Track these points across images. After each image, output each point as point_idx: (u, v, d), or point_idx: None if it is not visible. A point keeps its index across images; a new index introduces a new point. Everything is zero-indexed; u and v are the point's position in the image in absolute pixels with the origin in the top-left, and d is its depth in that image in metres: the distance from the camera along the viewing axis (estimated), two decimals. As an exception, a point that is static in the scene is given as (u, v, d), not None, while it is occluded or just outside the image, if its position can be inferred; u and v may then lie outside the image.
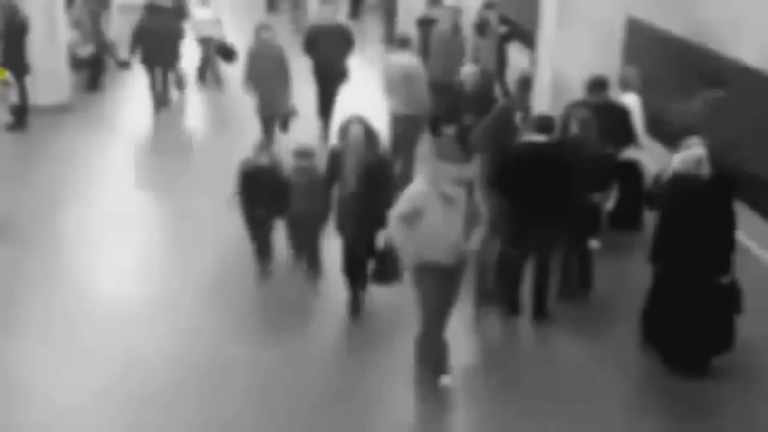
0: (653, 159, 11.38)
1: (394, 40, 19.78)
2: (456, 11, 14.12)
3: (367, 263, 8.68)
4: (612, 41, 10.36)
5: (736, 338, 8.00)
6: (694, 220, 7.62)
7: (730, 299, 7.85)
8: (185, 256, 10.14)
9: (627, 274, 9.74)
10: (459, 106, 10.55)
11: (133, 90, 16.68)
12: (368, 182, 8.30)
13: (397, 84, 11.69)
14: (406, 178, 12.00)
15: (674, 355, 8.04)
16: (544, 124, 8.55)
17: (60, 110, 14.97)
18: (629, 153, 10.17)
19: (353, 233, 8.57)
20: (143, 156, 13.41)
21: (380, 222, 8.06)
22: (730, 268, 7.74)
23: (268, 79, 12.79)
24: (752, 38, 10.83)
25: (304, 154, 9.09)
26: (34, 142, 13.70)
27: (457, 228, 7.34)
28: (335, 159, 8.55)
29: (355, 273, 8.80)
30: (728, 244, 7.71)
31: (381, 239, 8.33)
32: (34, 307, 8.94)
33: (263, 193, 9.25)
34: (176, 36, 14.95)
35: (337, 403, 7.53)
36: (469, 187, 7.41)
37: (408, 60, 11.77)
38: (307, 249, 9.60)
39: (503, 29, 15.61)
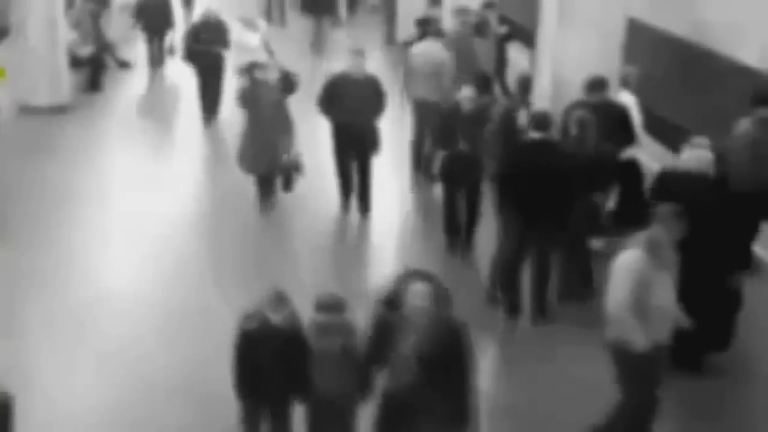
0: (652, 157, 11.39)
1: (393, 41, 19.97)
2: (467, 12, 14.04)
3: None
4: (612, 41, 10.36)
5: (735, 337, 8.01)
6: (699, 219, 7.62)
7: (729, 299, 7.86)
8: (187, 257, 10.15)
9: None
10: (454, 129, 10.06)
11: (133, 90, 16.70)
12: (436, 368, 5.68)
13: (421, 71, 12.07)
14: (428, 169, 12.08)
15: (673, 354, 8.04)
16: (541, 121, 8.60)
17: (60, 110, 14.97)
18: (628, 151, 10.19)
19: None
20: (144, 156, 13.41)
21: (451, 422, 5.87)
22: (735, 270, 7.76)
23: (266, 127, 10.98)
24: (753, 38, 10.83)
25: (330, 306, 6.08)
26: (33, 143, 13.69)
27: (673, 295, 6.38)
28: (384, 332, 5.81)
29: None
30: (734, 245, 7.73)
31: None
32: (36, 308, 8.95)
33: (272, 365, 6.14)
34: (169, 12, 17.63)
35: None
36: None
37: (437, 49, 12.23)
38: None
39: (502, 29, 15.62)
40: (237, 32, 14.78)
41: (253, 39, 14.65)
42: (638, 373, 6.45)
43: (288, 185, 11.23)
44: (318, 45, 19.72)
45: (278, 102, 11.07)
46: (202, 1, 21.39)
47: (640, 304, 6.19)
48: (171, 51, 17.55)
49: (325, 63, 17.37)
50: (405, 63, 12.40)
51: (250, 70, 11.46)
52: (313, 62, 18.23)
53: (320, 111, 11.04)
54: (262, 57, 13.75)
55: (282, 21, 22.10)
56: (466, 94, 10.14)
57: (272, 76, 11.17)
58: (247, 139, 11.11)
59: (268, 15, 21.98)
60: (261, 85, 11.08)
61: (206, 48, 14.49)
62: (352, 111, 10.79)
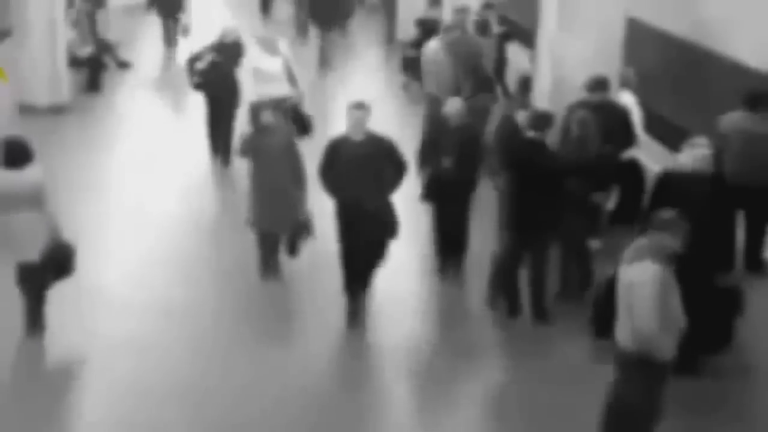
0: (653, 158, 11.38)
1: (394, 41, 19.98)
2: (466, 11, 14.08)
3: None
4: (612, 41, 10.36)
5: (734, 340, 8.01)
6: (699, 219, 7.62)
7: (730, 301, 7.85)
8: (187, 257, 10.14)
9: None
10: (439, 144, 9.37)
11: (133, 91, 16.69)
12: None
13: (429, 67, 12.64)
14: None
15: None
16: (537, 121, 8.63)
17: (59, 110, 14.95)
18: (629, 152, 10.20)
19: None
20: (143, 156, 13.40)
21: None
22: (727, 269, 7.75)
23: (273, 179, 9.22)
24: (752, 39, 10.84)
25: None
26: (32, 143, 13.64)
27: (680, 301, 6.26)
28: None
29: None
30: (727, 244, 7.72)
31: None
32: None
33: None
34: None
35: None
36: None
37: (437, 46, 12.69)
38: None
39: (498, 29, 15.65)
40: (254, 56, 12.03)
41: (273, 65, 11.88)
42: (656, 380, 6.40)
43: (293, 249, 9.47)
44: (323, 67, 18.11)
45: (288, 149, 9.25)
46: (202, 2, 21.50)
47: (664, 315, 6.10)
48: (184, 31, 18.82)
49: (330, 93, 16.60)
50: (404, 61, 12.60)
51: (255, 111, 9.71)
52: (319, 91, 16.37)
53: (321, 185, 8.81)
54: (283, 88, 11.76)
55: (304, 37, 19.88)
56: (453, 106, 9.40)
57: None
58: (253, 193, 9.43)
59: (302, 31, 20.10)
60: (267, 131, 9.30)
61: (220, 74, 12.46)
62: (351, 184, 8.49)
